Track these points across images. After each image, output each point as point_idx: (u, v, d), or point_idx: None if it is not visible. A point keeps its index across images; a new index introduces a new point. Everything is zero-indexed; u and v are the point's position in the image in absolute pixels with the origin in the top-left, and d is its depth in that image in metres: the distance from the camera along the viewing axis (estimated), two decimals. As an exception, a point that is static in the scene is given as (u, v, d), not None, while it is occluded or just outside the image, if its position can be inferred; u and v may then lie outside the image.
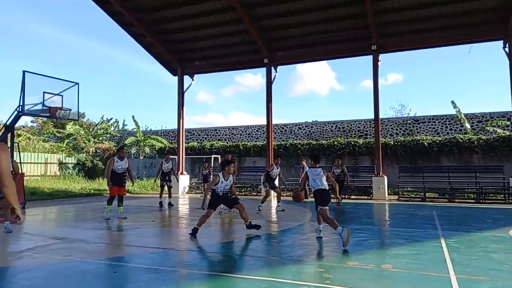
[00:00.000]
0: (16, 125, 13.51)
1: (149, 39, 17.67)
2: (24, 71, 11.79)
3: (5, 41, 69.04)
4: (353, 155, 20.47)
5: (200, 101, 69.02)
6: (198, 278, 4.57)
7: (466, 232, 7.66)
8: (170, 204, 12.58)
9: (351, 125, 24.18)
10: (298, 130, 25.51)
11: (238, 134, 27.13)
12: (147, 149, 28.32)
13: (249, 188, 19.10)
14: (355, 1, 14.33)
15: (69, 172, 25.69)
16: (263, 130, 25.26)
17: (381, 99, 16.19)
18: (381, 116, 17.71)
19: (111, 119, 34.51)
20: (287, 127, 25.94)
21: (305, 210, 11.53)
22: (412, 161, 19.15)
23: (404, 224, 8.85)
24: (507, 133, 19.62)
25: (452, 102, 21.35)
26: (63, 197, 16.60)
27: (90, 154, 28.16)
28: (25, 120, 39.79)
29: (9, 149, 12.23)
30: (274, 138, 24.26)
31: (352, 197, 16.45)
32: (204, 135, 28.17)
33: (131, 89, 77.66)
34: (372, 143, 19.46)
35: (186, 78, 19.58)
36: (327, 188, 6.88)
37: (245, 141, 25.90)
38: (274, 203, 14.29)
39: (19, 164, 14.16)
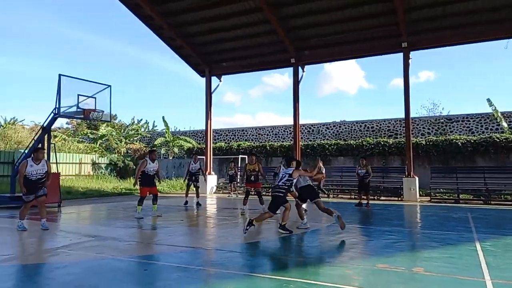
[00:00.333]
0: (53, 127, 14.07)
1: (178, 42, 18.01)
2: (60, 75, 12.25)
3: (41, 45, 72.17)
4: (382, 155, 20.05)
5: (228, 102, 69.58)
6: (226, 278, 4.61)
7: (503, 235, 7.35)
8: (198, 204, 12.74)
9: (380, 124, 23.69)
10: (325, 130, 25.25)
11: (265, 134, 27.15)
12: (176, 150, 28.82)
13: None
14: (384, -2, 14.04)
15: (101, 172, 26.51)
16: (290, 130, 25.16)
17: (412, 98, 15.80)
18: (412, 115, 17.27)
19: (141, 120, 35.36)
20: (314, 127, 25.72)
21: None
22: (444, 161, 18.54)
23: (437, 226, 8.59)
24: (548, 132, 18.65)
25: (488, 100, 20.50)
26: (96, 196, 17.17)
27: (122, 154, 28.94)
28: (61, 122, 41.40)
29: (46, 149, 12.77)
30: (301, 138, 24.10)
31: (382, 198, 16.13)
32: (232, 135, 28.36)
33: (161, 91, 79.30)
34: (402, 143, 19.00)
35: (214, 79, 19.80)
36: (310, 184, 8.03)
37: (272, 141, 25.88)
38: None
39: (54, 165, 14.77)
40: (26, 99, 68.83)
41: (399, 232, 7.90)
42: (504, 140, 17.45)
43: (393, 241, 6.81)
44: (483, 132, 20.91)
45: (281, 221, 7.48)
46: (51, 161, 10.58)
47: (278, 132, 26.68)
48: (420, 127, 22.64)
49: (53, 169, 10.25)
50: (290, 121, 20.57)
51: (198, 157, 13.44)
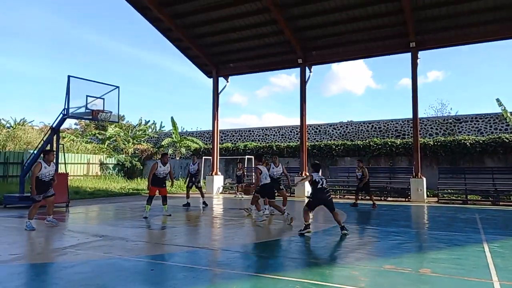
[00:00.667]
0: (61, 128, 14.19)
1: (185, 43, 18.10)
2: (69, 76, 12.37)
3: (50, 47, 72.89)
4: (389, 156, 19.94)
5: (235, 103, 69.73)
6: (232, 278, 4.63)
7: (511, 236, 7.27)
8: (204, 204, 12.77)
9: (388, 125, 23.56)
10: (332, 131, 25.17)
11: (271, 134, 27.14)
12: (183, 150, 28.94)
13: (282, 189, 19.03)
14: (391, -3, 13.97)
15: (109, 172, 26.72)
16: (296, 131, 25.13)
17: (420, 98, 15.68)
18: (420, 115, 17.16)
19: (148, 121, 35.55)
20: (321, 128, 25.65)
21: (340, 212, 11.35)
22: (453, 162, 18.39)
23: (444, 228, 8.53)
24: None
25: (497, 99, 20.26)
26: (104, 196, 17.30)
27: (129, 155, 29.14)
28: (69, 123, 41.86)
29: (55, 150, 12.90)
30: (308, 138, 24.07)
31: (389, 199, 16.04)
32: (238, 136, 28.40)
33: (168, 92, 79.69)
34: (410, 143, 18.88)
35: (221, 80, 19.85)
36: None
37: (278, 141, 25.88)
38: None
39: (63, 165, 14.92)
40: (36, 100, 69.63)
41: (406, 233, 7.85)
42: (513, 141, 17.25)
43: (400, 242, 6.77)
44: (492, 133, 20.70)
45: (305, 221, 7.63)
46: (59, 161, 10.67)
47: (285, 133, 26.66)
48: (428, 127, 22.47)
49: (62, 169, 10.39)
50: (296, 121, 20.57)
51: (205, 157, 13.48)
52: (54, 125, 12.91)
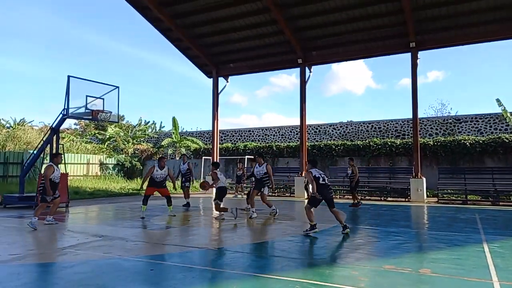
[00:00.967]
0: (61, 127, 14.19)
1: (185, 43, 18.09)
2: (69, 76, 12.35)
3: (49, 47, 72.88)
4: (389, 156, 19.94)
5: (235, 103, 69.73)
6: (231, 278, 4.62)
7: (511, 237, 7.27)
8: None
9: (388, 125, 23.56)
10: (332, 131, 25.17)
11: (271, 135, 27.14)
12: (183, 150, 28.94)
13: (282, 189, 19.05)
14: (391, -3, 13.97)
15: (109, 172, 26.71)
16: (296, 131, 25.13)
17: (420, 98, 15.67)
18: (420, 115, 17.15)
19: (148, 121, 35.54)
20: (321, 128, 25.65)
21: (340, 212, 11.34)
22: (452, 162, 18.39)
23: (444, 228, 8.53)
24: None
25: (497, 100, 20.26)
26: (104, 196, 17.29)
27: (129, 155, 29.13)
28: (69, 123, 41.84)
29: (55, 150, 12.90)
30: (308, 139, 24.07)
31: (389, 199, 16.03)
32: (238, 136, 28.40)
33: (167, 92, 79.70)
34: (410, 143, 18.88)
35: (221, 80, 19.84)
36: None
37: (278, 142, 25.88)
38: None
39: (62, 165, 14.88)
40: (35, 100, 69.63)
41: (406, 233, 7.85)
42: (513, 141, 17.25)
43: (400, 242, 6.77)
44: (492, 133, 20.70)
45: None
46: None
47: (285, 133, 26.66)
48: (428, 127, 22.47)
49: (61, 169, 10.37)
50: (296, 121, 20.58)
51: (204, 157, 13.47)
52: (54, 125, 12.91)
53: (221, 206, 9.72)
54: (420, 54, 15.58)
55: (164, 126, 36.68)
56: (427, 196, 15.58)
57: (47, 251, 6.27)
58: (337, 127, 25.19)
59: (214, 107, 19.63)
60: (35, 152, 13.73)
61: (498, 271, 4.76)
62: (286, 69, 25.37)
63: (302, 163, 17.40)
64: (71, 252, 5.99)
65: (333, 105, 66.41)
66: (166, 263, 5.36)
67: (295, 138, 25.34)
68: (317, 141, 24.67)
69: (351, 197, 13.26)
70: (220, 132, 22.89)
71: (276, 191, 18.78)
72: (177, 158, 28.32)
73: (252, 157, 14.42)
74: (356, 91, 65.26)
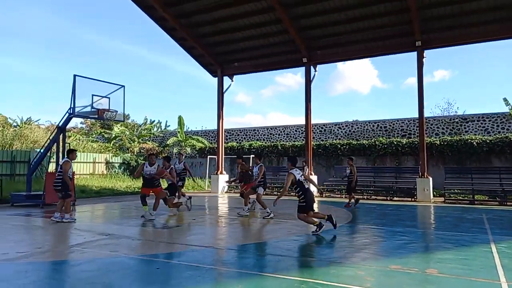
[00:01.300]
0: (68, 126, 14.28)
1: (190, 43, 18.13)
2: (75, 75, 12.42)
3: (49, 47, 73.33)
4: (395, 155, 19.84)
5: (239, 102, 69.72)
6: (237, 277, 4.63)
7: (519, 237, 7.20)
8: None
9: (393, 124, 23.44)
10: (338, 130, 25.09)
11: (276, 134, 27.12)
12: (188, 149, 29.01)
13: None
14: (397, -4, 13.89)
15: (115, 171, 26.83)
16: (301, 130, 25.09)
17: (426, 97, 15.64)
18: (426, 114, 17.04)
19: (154, 120, 35.67)
20: (326, 127, 25.58)
21: (345, 212, 11.33)
22: (459, 161, 18.26)
23: (451, 228, 8.47)
24: None
25: (505, 99, 20.09)
26: (110, 195, 17.38)
27: (135, 153, 29.26)
28: (75, 122, 42.04)
29: (61, 149, 12.99)
30: (313, 138, 24.01)
31: (395, 198, 15.96)
32: (243, 135, 28.40)
33: (172, 91, 79.86)
34: (416, 143, 18.77)
35: (226, 79, 19.86)
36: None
37: (283, 141, 25.84)
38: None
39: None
40: (40, 99, 70.09)
41: (412, 233, 7.81)
42: (521, 140, 17.08)
43: (406, 242, 6.74)
44: (499, 132, 20.52)
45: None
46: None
47: (290, 132, 26.62)
48: (434, 127, 22.33)
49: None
50: (301, 121, 20.56)
51: (210, 156, 13.43)
52: (60, 124, 12.99)
53: (174, 201, 10.59)
54: (426, 53, 15.48)
55: (169, 125, 36.82)
56: (434, 196, 15.49)
57: (54, 249, 6.32)
58: (343, 126, 25.11)
59: (219, 106, 19.64)
60: (42, 150, 13.83)
61: (506, 272, 4.72)
62: (291, 68, 25.30)
63: (307, 162, 17.37)
64: (78, 250, 6.02)
65: (338, 104, 66.22)
66: (172, 262, 5.37)
67: (300, 138, 25.29)
68: (322, 140, 24.60)
69: (351, 195, 13.12)
70: (225, 131, 22.90)
71: (281, 190, 18.81)
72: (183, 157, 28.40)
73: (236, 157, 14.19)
74: (362, 90, 64.99)
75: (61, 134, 12.97)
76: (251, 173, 10.89)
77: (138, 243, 6.64)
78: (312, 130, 21.72)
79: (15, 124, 34.74)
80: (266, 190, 12.64)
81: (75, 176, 14.08)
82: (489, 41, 15.20)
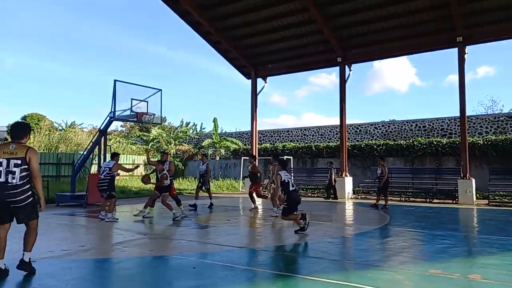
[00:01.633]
0: (108, 130, 14.86)
1: (224, 46, 18.36)
2: (115, 80, 12.94)
3: (96, 53, 76.53)
4: (435, 155, 19.13)
5: (274, 103, 69.73)
6: (271, 278, 4.64)
7: None
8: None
9: (433, 123, 22.62)
10: (373, 130, 24.53)
11: (310, 135, 26.90)
12: (222, 151, 29.36)
13: (321, 190, 18.79)
14: (436, -9, 13.41)
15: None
16: (336, 131, 24.74)
17: (468, 95, 14.86)
18: (468, 113, 16.32)
19: (189, 123, 36.36)
20: (362, 127, 25.08)
21: (382, 214, 11.06)
22: (505, 162, 17.31)
23: (496, 232, 8.05)
24: None
25: (555, 95, 18.89)
26: (148, 195, 17.78)
27: (171, 155, 29.97)
28: (115, 125, 43.64)
29: (102, 150, 13.54)
30: (348, 138, 23.60)
31: (435, 200, 15.37)
32: (277, 136, 28.39)
33: (206, 93, 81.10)
34: (457, 142, 18.01)
35: (259, 81, 19.93)
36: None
37: (317, 142, 25.59)
38: (348, 205, 13.94)
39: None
40: (84, 103, 73.33)
41: (454, 236, 7.50)
42: None
43: (447, 246, 6.48)
44: (549, 131, 19.30)
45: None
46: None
47: (324, 133, 26.33)
48: (477, 125, 21.34)
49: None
50: (336, 121, 20.22)
51: (243, 158, 13.48)
52: (101, 128, 13.55)
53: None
54: (468, 49, 14.82)
55: (204, 128, 37.37)
56: (477, 198, 14.80)
57: (96, 247, 6.60)
58: (379, 126, 24.52)
59: (253, 108, 19.74)
60: (85, 153, 14.47)
61: (558, 279, 4.44)
62: (325, 68, 25.01)
63: (342, 163, 17.11)
64: (118, 249, 6.26)
65: (375, 104, 64.72)
66: (207, 262, 5.46)
67: (335, 138, 24.95)
68: (357, 141, 24.15)
69: (379, 197, 12.80)
70: (258, 133, 22.98)
71: (315, 192, 18.66)
72: (217, 159, 28.78)
73: (291, 157, 14.31)
74: (399, 88, 63.20)
75: (103, 137, 13.53)
76: (259, 175, 11.76)
77: (175, 242, 6.80)
78: (347, 131, 21.35)
79: (60, 128, 36.55)
80: (300, 191, 12.60)
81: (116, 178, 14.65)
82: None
